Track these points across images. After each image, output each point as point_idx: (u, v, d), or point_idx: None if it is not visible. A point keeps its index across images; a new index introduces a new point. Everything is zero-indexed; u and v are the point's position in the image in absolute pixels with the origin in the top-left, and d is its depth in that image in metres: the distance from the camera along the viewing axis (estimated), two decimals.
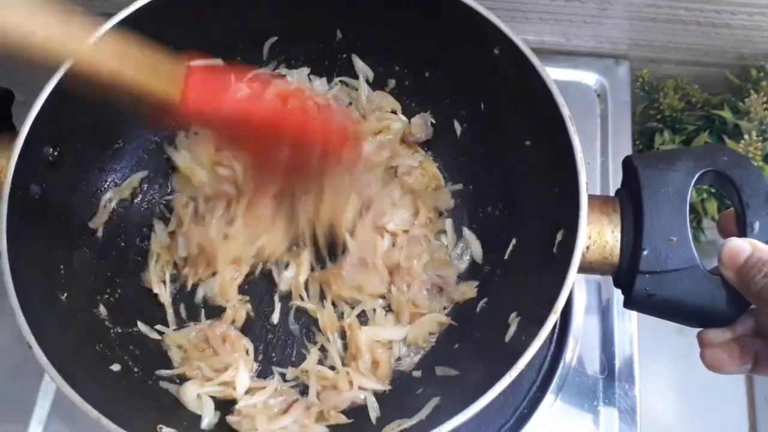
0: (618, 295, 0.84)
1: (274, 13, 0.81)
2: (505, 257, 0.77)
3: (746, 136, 0.84)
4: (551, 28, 0.97)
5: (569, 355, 0.82)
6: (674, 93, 0.94)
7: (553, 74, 0.95)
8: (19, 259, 0.63)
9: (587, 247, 0.62)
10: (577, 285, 0.84)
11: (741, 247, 0.57)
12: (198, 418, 0.70)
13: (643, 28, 0.95)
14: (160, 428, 0.63)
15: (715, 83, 0.98)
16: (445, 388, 0.69)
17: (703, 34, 0.94)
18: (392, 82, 0.87)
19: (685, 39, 0.95)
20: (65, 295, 0.70)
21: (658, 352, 0.93)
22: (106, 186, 0.80)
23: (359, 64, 0.86)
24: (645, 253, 0.60)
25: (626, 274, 0.63)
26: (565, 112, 0.65)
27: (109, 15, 0.70)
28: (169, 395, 0.71)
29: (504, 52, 0.71)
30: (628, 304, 0.63)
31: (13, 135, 0.67)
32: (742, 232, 0.60)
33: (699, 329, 0.62)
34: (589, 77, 0.99)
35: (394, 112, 0.87)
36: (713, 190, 0.87)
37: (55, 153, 0.70)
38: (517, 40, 0.69)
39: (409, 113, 0.87)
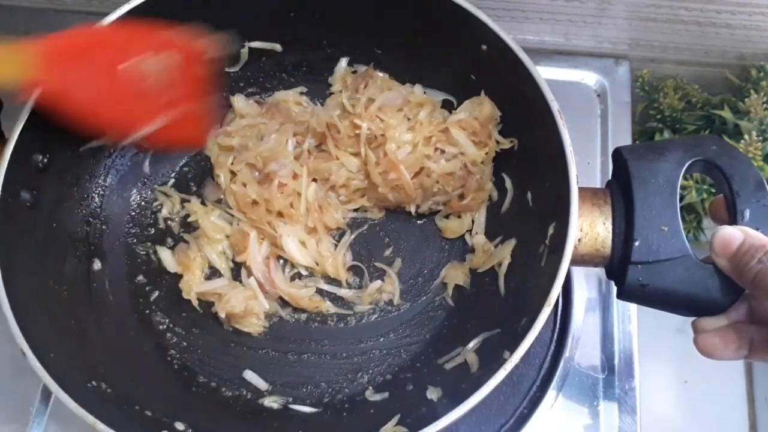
0: None
1: (256, 14, 0.80)
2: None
3: (746, 136, 0.84)
4: (551, 28, 0.97)
5: (569, 355, 0.82)
6: (674, 93, 0.94)
7: (554, 74, 0.98)
8: (11, 267, 0.63)
9: (579, 240, 0.63)
10: (576, 285, 0.84)
11: (733, 234, 0.58)
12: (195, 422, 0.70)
13: (643, 28, 0.95)
14: None
15: (715, 83, 0.99)
16: (443, 383, 0.69)
17: (703, 34, 0.94)
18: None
19: (686, 39, 0.95)
20: (58, 302, 0.70)
21: (658, 352, 0.93)
22: (96, 193, 0.79)
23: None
24: (637, 243, 0.61)
25: (618, 265, 0.63)
26: (554, 105, 0.65)
27: (104, 14, 0.71)
28: (166, 398, 0.72)
29: (492, 48, 0.71)
30: (621, 295, 0.63)
31: (1, 142, 0.66)
32: (733, 221, 0.60)
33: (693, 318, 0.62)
34: (589, 77, 0.99)
35: None
36: (713, 190, 0.87)
37: (45, 160, 0.70)
38: (503, 35, 0.69)
39: None
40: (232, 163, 0.83)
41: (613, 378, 0.81)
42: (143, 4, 0.71)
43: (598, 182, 0.91)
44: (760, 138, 0.84)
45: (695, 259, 0.60)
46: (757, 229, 0.58)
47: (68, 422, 0.80)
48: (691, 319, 0.62)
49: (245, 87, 0.87)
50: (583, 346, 0.83)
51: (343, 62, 0.86)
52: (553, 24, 0.96)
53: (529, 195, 0.75)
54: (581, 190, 0.63)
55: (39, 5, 1.03)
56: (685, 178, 0.85)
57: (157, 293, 0.80)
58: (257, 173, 0.82)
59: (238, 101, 0.86)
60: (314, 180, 0.82)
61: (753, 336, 0.59)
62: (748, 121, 0.86)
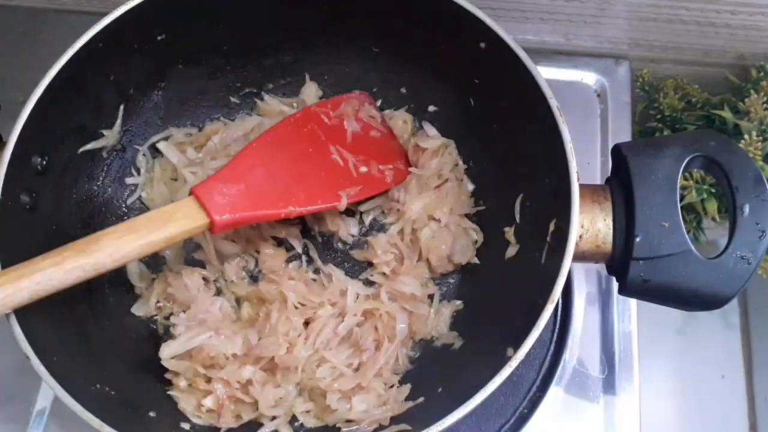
0: (618, 295, 0.84)
1: (254, 14, 0.80)
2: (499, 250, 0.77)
3: (746, 136, 0.84)
4: (551, 28, 0.97)
5: (569, 355, 0.82)
6: (674, 93, 0.94)
7: (554, 74, 0.98)
8: None
9: (580, 236, 0.63)
10: (576, 286, 0.84)
11: None
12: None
13: (643, 28, 0.95)
14: None
15: (715, 83, 0.98)
16: (445, 382, 0.69)
17: (703, 33, 0.94)
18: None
19: (685, 39, 0.95)
20: (59, 305, 0.69)
21: (658, 352, 0.93)
22: (95, 194, 0.79)
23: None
24: (638, 239, 0.61)
25: (620, 261, 0.63)
26: (553, 103, 0.65)
27: (103, 14, 0.70)
28: (170, 399, 0.71)
29: (490, 46, 0.71)
30: (623, 290, 0.63)
31: (0, 145, 0.66)
32: (733, 216, 0.61)
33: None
34: (589, 77, 0.99)
35: None
36: (713, 190, 0.87)
37: (44, 162, 0.70)
38: (501, 32, 0.69)
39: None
40: None
41: (613, 378, 0.81)
42: (143, 3, 0.71)
43: (598, 182, 0.91)
44: (760, 138, 0.84)
45: (696, 254, 0.61)
46: (757, 224, 0.59)
47: (68, 422, 0.80)
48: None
49: (242, 87, 0.87)
50: (583, 346, 0.83)
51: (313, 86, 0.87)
52: (553, 24, 0.96)
53: (527, 192, 0.75)
54: (581, 186, 0.63)
55: (39, 5, 1.03)
56: (684, 178, 0.85)
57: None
58: None
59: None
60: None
61: None
62: (748, 121, 0.86)
